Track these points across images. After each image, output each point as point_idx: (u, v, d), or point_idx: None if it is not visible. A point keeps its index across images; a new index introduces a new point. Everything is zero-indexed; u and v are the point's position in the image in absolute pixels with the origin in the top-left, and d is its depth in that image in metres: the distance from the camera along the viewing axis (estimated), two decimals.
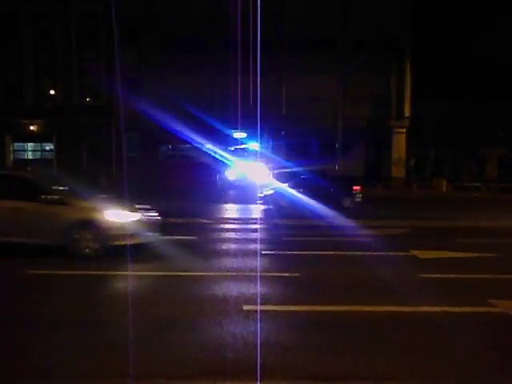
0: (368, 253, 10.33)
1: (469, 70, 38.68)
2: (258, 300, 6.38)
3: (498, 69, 37.86)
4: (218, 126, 31.34)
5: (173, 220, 15.18)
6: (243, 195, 28.38)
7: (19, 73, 35.25)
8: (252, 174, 34.96)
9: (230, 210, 21.87)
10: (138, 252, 9.49)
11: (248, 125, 31.48)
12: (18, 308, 6.30)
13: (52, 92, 35.37)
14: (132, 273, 8.05)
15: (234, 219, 18.02)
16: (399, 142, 35.68)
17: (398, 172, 35.47)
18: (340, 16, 33.63)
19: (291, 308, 6.30)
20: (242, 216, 19.50)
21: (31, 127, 35.06)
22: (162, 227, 10.88)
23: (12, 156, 35.98)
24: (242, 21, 28.84)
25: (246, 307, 6.19)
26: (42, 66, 35.29)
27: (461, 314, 6.13)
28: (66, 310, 6.14)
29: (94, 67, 35.30)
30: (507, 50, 35.13)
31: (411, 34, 35.11)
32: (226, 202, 24.92)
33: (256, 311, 5.87)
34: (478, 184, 37.18)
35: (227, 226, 15.98)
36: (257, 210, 21.27)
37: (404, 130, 35.71)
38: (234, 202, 25.19)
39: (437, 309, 6.25)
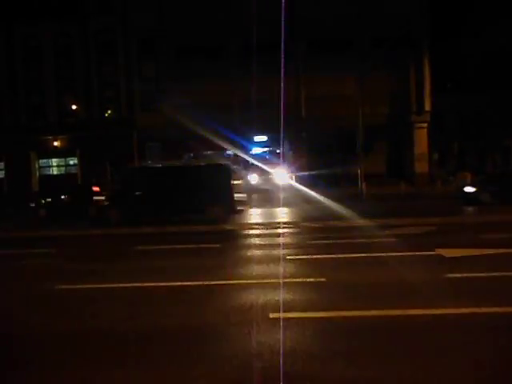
0: (393, 254, 10.32)
1: (489, 60, 38.11)
2: (281, 307, 6.39)
3: None
4: (239, 130, 31.47)
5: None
6: (267, 199, 28.40)
7: (41, 91, 35.96)
8: (274, 177, 35.08)
9: (255, 215, 21.87)
10: None
11: (268, 128, 31.56)
12: None
13: (74, 107, 35.94)
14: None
15: (257, 224, 18.05)
16: (421, 138, 35.29)
17: (421, 168, 35.03)
18: (356, 14, 33.40)
19: (317, 314, 6.30)
20: (268, 220, 19.46)
21: (55, 143, 35.69)
22: None
23: (38, 173, 36.64)
24: (257, 24, 28.95)
25: (272, 315, 6.18)
26: (62, 83, 35.94)
27: (491, 314, 6.02)
28: None
29: (113, 80, 35.78)
30: None
31: (428, 27, 34.71)
32: (251, 207, 24.96)
33: (282, 318, 5.84)
34: None
35: (251, 231, 16.03)
36: (282, 214, 21.31)
37: (425, 124, 35.30)
38: (259, 207, 25.22)
39: (465, 310, 6.16)
